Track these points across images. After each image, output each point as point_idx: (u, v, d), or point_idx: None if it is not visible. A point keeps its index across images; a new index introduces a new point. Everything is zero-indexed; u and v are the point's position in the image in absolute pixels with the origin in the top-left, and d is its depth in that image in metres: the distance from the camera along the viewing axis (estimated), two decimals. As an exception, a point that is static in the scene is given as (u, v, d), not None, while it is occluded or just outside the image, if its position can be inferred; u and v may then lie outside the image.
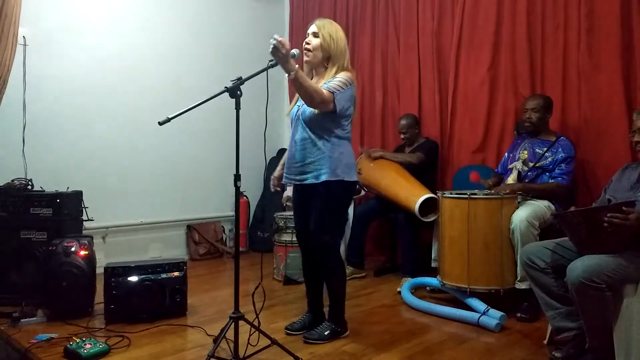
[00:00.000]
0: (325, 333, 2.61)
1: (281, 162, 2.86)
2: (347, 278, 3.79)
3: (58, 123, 3.92)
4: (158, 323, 2.82)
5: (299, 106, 2.62)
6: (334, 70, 2.54)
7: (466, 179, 3.78)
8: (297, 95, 2.65)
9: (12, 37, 3.23)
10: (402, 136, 4.06)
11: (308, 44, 2.55)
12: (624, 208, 2.03)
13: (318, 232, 2.57)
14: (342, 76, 2.51)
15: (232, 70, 2.69)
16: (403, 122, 4.05)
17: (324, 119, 2.53)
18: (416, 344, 2.59)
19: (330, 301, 2.70)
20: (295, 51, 2.53)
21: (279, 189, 2.92)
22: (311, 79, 2.65)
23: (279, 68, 2.35)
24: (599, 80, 3.24)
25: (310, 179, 2.55)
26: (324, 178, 2.51)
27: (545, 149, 3.17)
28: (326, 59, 2.57)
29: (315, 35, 2.55)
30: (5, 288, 3.08)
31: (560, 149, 3.11)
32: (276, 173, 2.88)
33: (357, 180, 2.69)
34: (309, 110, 2.52)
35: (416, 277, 3.54)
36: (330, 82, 2.49)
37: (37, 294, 2.92)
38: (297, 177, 2.61)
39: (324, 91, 2.42)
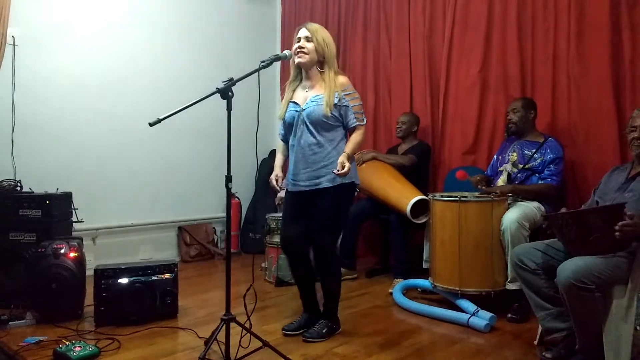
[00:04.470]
0: (323, 331, 2.64)
1: (277, 164, 2.79)
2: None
3: (48, 124, 3.89)
4: (148, 325, 2.80)
5: (299, 111, 2.61)
6: (331, 73, 2.60)
7: (457, 180, 3.78)
8: (287, 98, 2.69)
9: (1, 37, 3.21)
10: (396, 126, 4.08)
11: (302, 47, 2.57)
12: (627, 213, 2.03)
13: (324, 233, 2.60)
14: (352, 90, 2.66)
15: (224, 72, 2.68)
16: (402, 117, 4.08)
17: (332, 121, 2.58)
18: (407, 345, 2.59)
19: (326, 300, 2.73)
20: (287, 52, 2.59)
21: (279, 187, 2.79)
22: (300, 80, 2.70)
23: (270, 69, 2.36)
24: (589, 83, 3.26)
25: (324, 183, 2.57)
26: (339, 180, 2.55)
27: (533, 150, 3.19)
28: (319, 63, 2.61)
29: (309, 39, 2.58)
30: (-6, 290, 3.05)
31: (548, 150, 3.14)
32: (279, 173, 2.74)
33: (359, 181, 2.74)
34: (318, 112, 2.54)
35: (408, 278, 3.55)
36: (349, 102, 2.61)
37: (26, 296, 2.90)
38: (309, 182, 2.60)
39: (362, 132, 2.64)
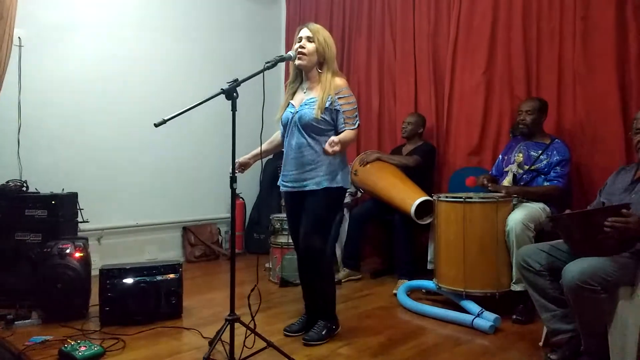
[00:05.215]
0: (323, 333, 2.63)
1: (256, 150, 2.75)
2: (344, 280, 3.84)
3: (53, 124, 3.91)
4: (153, 325, 2.81)
5: (293, 112, 2.62)
6: (329, 74, 2.59)
7: (462, 181, 3.77)
8: (287, 99, 2.70)
9: (7, 38, 3.22)
10: (402, 126, 4.08)
11: (303, 47, 2.56)
12: (623, 211, 2.03)
13: (310, 235, 2.59)
14: (347, 94, 2.59)
15: (229, 72, 2.69)
16: (409, 117, 4.08)
17: (323, 125, 2.57)
18: (412, 346, 2.59)
19: (321, 301, 2.72)
20: (292, 53, 2.59)
21: (239, 171, 2.69)
22: (301, 82, 2.70)
23: (275, 70, 2.36)
24: (594, 83, 3.25)
25: (310, 186, 2.56)
26: (325, 184, 2.55)
27: (540, 151, 3.18)
28: (319, 64, 2.61)
29: (310, 39, 2.57)
30: (0, 290, 3.06)
31: (555, 152, 3.13)
32: (242, 158, 2.73)
33: (349, 186, 2.71)
34: (309, 115, 2.54)
35: (412, 279, 3.55)
36: (341, 107, 2.56)
37: (31, 296, 2.91)
38: (296, 184, 2.61)
39: (353, 133, 2.57)
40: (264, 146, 2.81)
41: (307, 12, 5.26)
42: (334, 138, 2.40)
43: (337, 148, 2.38)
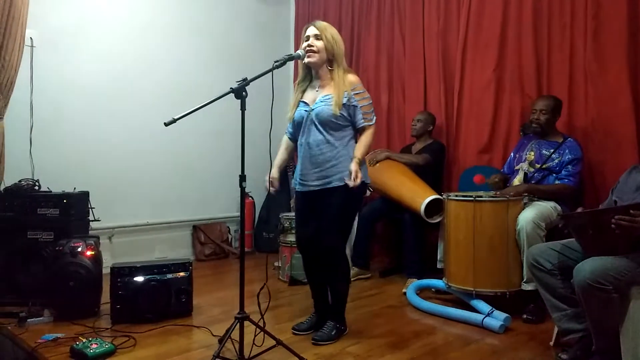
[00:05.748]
0: (332, 333, 2.63)
1: (275, 163, 2.80)
2: (353, 279, 3.82)
3: (65, 124, 3.94)
4: (164, 323, 2.83)
5: (308, 110, 2.62)
6: (340, 71, 2.59)
7: (472, 180, 3.76)
8: (297, 98, 2.71)
9: (19, 38, 3.25)
10: (412, 124, 4.07)
11: (312, 45, 2.56)
12: (631, 211, 2.01)
13: (331, 234, 2.58)
14: (362, 89, 2.62)
15: (238, 71, 2.70)
16: (419, 115, 4.07)
17: (342, 121, 2.57)
18: (421, 345, 2.58)
19: (334, 301, 2.72)
20: (301, 52, 2.59)
21: (277, 188, 2.80)
22: (310, 80, 2.71)
23: (283, 69, 2.37)
24: (606, 81, 3.21)
25: (335, 182, 2.55)
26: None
27: (552, 150, 3.15)
28: (328, 61, 2.61)
29: (318, 37, 2.57)
30: (12, 288, 3.10)
31: (567, 151, 3.10)
32: (274, 174, 2.77)
33: (369, 180, 2.73)
34: (327, 111, 2.54)
35: (422, 278, 3.54)
36: (358, 102, 2.58)
37: (43, 294, 2.94)
38: (319, 182, 2.59)
39: (370, 133, 2.61)
40: (282, 155, 2.85)
41: (316, 11, 5.26)
42: (352, 168, 2.47)
43: (358, 181, 2.45)
